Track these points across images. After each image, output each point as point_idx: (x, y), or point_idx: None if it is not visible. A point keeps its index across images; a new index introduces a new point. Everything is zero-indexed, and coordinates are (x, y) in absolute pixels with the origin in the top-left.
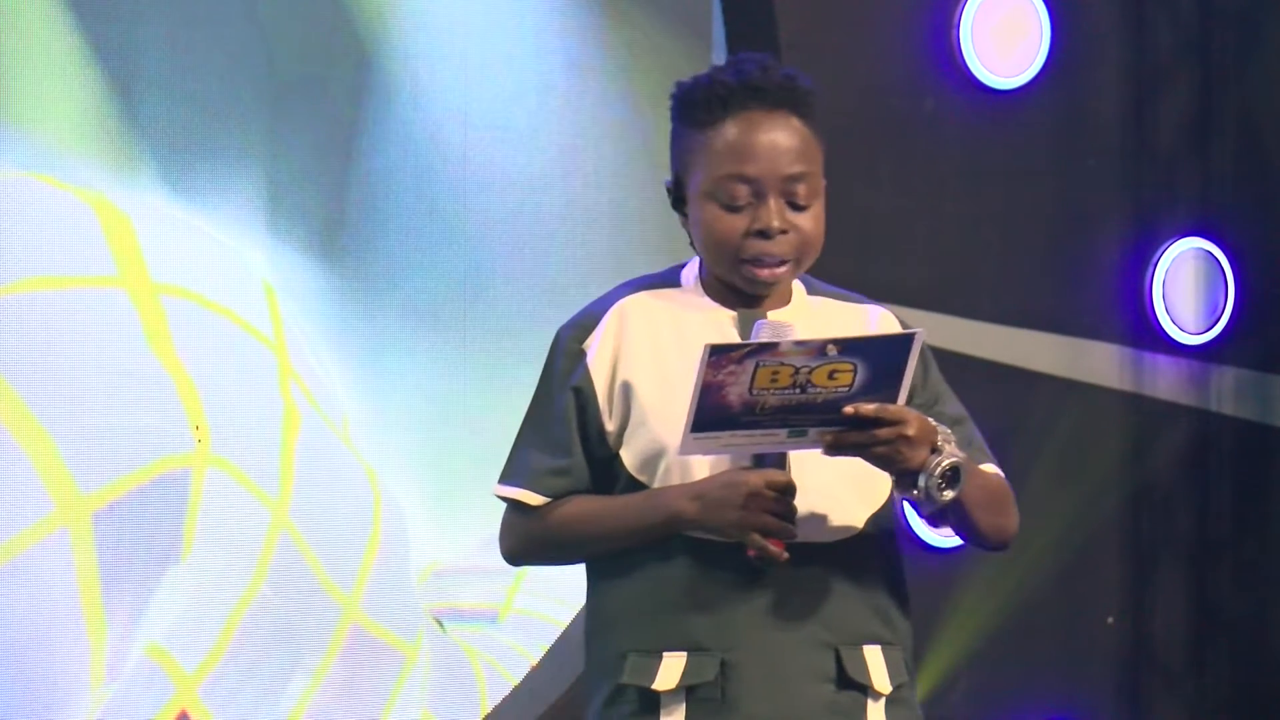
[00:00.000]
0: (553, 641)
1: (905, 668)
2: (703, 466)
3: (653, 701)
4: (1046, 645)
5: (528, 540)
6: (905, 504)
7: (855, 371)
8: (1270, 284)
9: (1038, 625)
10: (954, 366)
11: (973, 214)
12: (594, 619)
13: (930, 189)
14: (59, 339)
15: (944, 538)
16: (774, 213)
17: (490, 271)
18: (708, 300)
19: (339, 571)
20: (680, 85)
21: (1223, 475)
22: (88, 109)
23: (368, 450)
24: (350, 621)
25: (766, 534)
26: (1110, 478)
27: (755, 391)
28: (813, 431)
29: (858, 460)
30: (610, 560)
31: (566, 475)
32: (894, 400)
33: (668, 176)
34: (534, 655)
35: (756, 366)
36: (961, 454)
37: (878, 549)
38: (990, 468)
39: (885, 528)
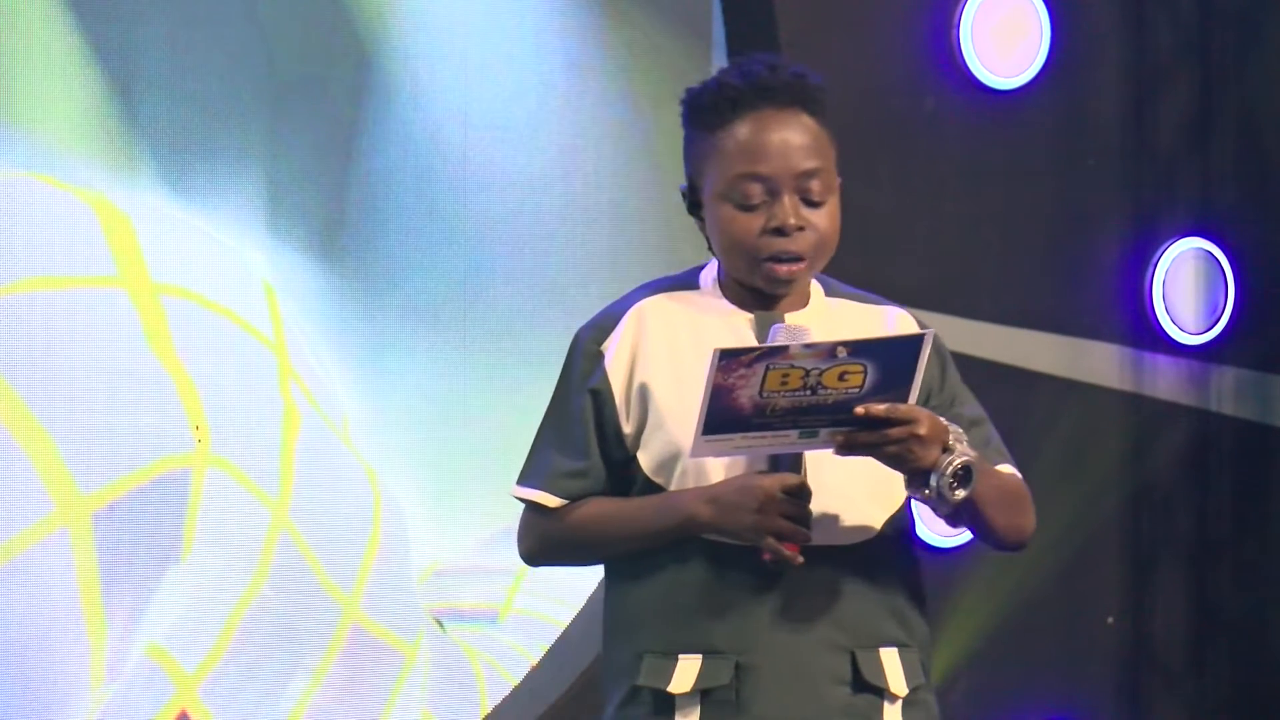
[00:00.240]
0: (553, 641)
1: (922, 669)
2: (719, 469)
3: (668, 703)
4: (1046, 645)
5: (545, 541)
6: (915, 503)
7: (865, 373)
8: (1270, 284)
9: (1038, 625)
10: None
11: (973, 214)
12: (611, 620)
13: (930, 189)
14: (59, 339)
15: (944, 537)
16: (789, 210)
17: (490, 271)
18: (725, 303)
19: (339, 571)
20: (690, 90)
21: (1223, 475)
22: (88, 109)
23: (368, 450)
24: (350, 621)
25: (781, 538)
26: (1110, 478)
27: (765, 394)
28: (824, 432)
29: (875, 463)
30: (628, 563)
31: (583, 477)
32: (905, 401)
33: (682, 181)
34: (534, 655)
35: (766, 369)
36: (973, 453)
37: (896, 551)
38: (1007, 468)
39: (903, 529)
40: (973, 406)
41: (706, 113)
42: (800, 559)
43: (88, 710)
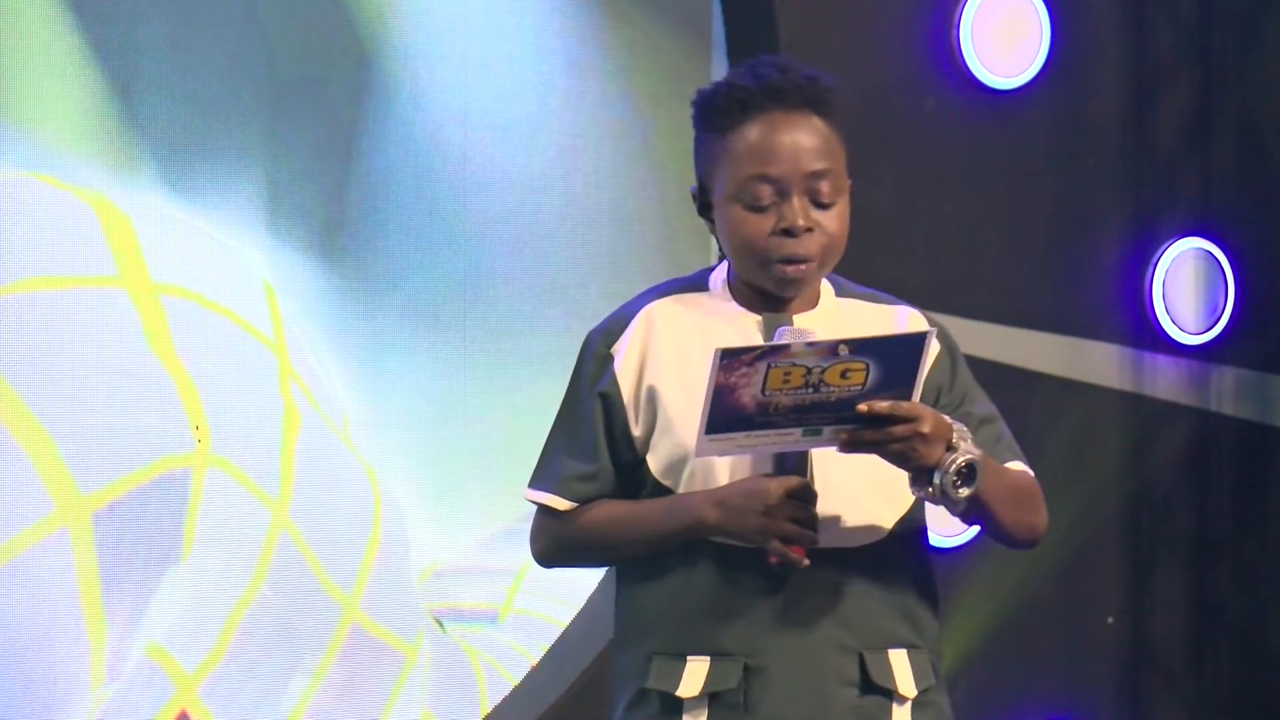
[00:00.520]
0: (553, 641)
1: (932, 671)
2: (726, 471)
3: (675, 706)
4: (1046, 645)
5: (557, 544)
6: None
7: (868, 371)
8: (1270, 284)
9: (1038, 625)
10: None
11: (973, 214)
12: (622, 622)
13: (930, 189)
14: (59, 339)
15: (945, 537)
16: (798, 211)
17: (490, 271)
18: (734, 305)
19: (339, 571)
20: (700, 92)
21: (1223, 475)
22: (88, 109)
23: (368, 450)
24: (350, 621)
25: (787, 541)
26: (1110, 478)
27: (768, 393)
28: (827, 430)
29: (883, 464)
30: (639, 565)
31: (593, 480)
32: (908, 399)
33: (692, 183)
34: (534, 655)
35: (768, 368)
36: (977, 451)
37: (906, 551)
38: (1018, 465)
39: (914, 529)
40: (983, 404)
41: (717, 114)
42: (806, 562)
43: (88, 710)
